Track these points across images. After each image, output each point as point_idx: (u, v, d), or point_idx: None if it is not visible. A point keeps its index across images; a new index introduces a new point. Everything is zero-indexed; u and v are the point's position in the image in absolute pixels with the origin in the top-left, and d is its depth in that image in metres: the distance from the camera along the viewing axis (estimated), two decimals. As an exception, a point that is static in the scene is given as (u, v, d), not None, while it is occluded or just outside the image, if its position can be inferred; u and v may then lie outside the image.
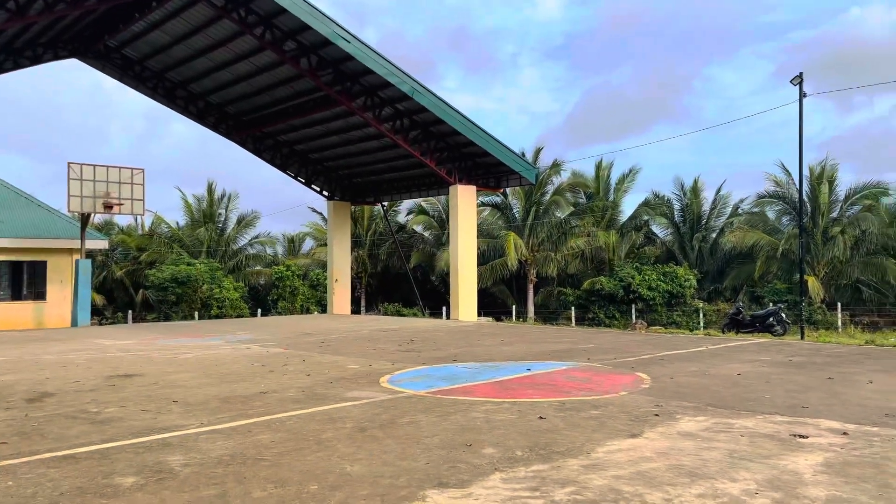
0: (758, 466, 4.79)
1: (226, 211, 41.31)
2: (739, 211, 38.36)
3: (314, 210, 42.25)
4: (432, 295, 38.09)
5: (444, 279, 34.57)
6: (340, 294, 28.28)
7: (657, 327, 27.63)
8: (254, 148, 26.75)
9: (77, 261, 21.55)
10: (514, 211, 38.01)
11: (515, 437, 5.72)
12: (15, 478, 4.71)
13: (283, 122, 24.50)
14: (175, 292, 32.66)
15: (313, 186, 28.39)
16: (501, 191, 31.83)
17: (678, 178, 40.00)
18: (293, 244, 47.27)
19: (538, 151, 36.53)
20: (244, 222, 41.33)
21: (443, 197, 34.59)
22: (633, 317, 31.27)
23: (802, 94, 17.26)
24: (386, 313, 35.17)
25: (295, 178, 28.00)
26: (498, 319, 30.32)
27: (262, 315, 33.38)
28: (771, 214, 36.01)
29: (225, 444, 5.61)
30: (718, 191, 39.28)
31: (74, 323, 21.38)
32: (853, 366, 10.25)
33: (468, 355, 11.93)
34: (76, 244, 21.83)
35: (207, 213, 40.70)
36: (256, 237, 42.57)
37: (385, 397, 7.73)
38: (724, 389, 8.09)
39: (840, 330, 25.83)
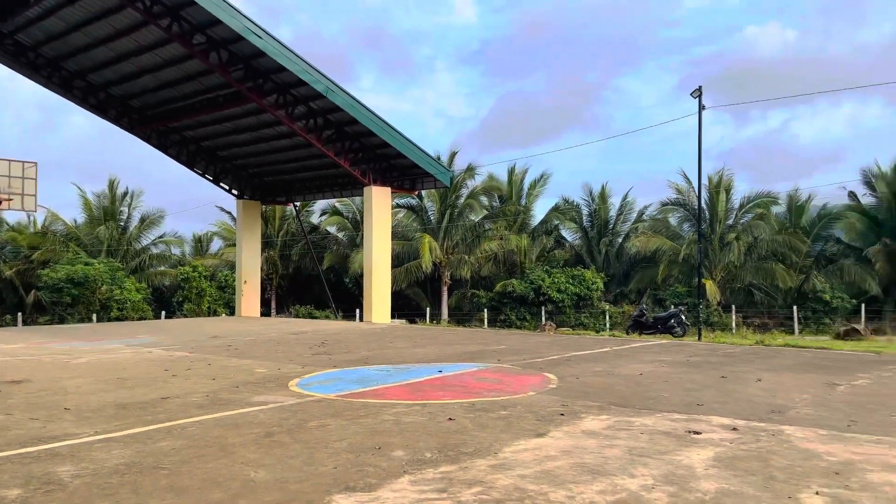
0: (655, 462, 4.99)
1: (129, 209, 39.44)
2: (644, 217, 39.97)
3: (223, 209, 41.12)
4: (346, 297, 37.71)
5: (358, 281, 34.28)
6: (250, 296, 27.58)
7: (566, 329, 28.40)
8: (159, 143, 25.70)
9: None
10: (430, 213, 38.17)
11: (425, 438, 5.74)
12: None
13: (191, 117, 23.64)
14: (71, 293, 30.91)
15: (222, 185, 27.55)
16: (417, 193, 31.94)
17: (587, 184, 41.30)
18: (201, 244, 45.76)
19: (453, 155, 36.92)
20: (148, 221, 39.59)
21: (357, 198, 34.36)
22: (543, 318, 32.02)
23: (701, 107, 18.17)
24: (297, 316, 34.55)
25: (202, 175, 27.10)
26: (411, 322, 30.35)
27: (167, 317, 32.09)
28: (673, 221, 37.76)
29: (121, 452, 5.35)
30: (625, 197, 40.83)
31: (-44, 326, 19.90)
32: (744, 365, 10.86)
33: (380, 358, 11.88)
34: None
35: (109, 210, 38.72)
36: (161, 236, 40.87)
37: (293, 401, 7.59)
38: (627, 389, 8.40)
39: (734, 331, 27.32)
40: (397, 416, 6.67)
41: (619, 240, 40.38)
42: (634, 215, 40.51)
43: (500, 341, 15.14)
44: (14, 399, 7.83)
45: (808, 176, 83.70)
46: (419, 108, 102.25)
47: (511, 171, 39.98)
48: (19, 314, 30.90)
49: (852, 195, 36.28)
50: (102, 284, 31.50)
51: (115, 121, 24.67)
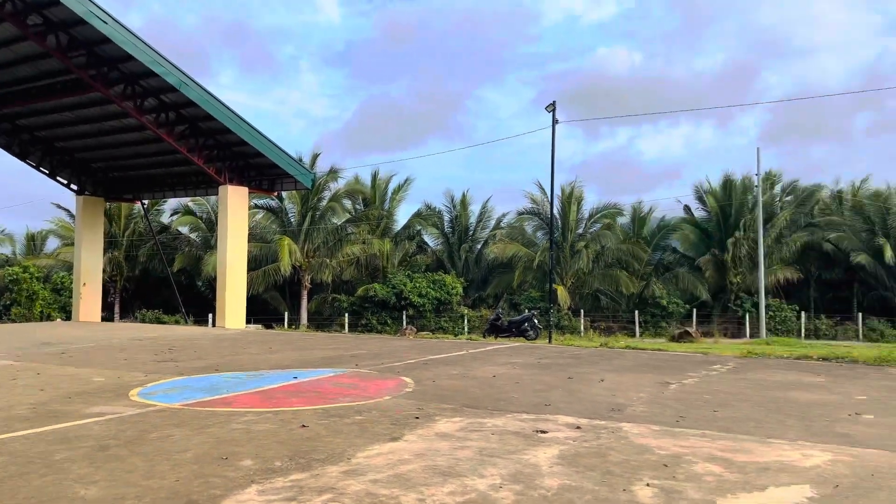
0: (504, 462, 5.15)
1: (-54, 203, 35.45)
2: (502, 224, 41.40)
3: (59, 206, 38.02)
4: (198, 301, 35.97)
5: (212, 284, 32.82)
6: (89, 299, 25.57)
7: (426, 333, 28.76)
8: (-15, 131, 23.27)
9: None
10: (290, 215, 37.33)
11: (275, 447, 5.58)
12: None
13: (25, 104, 21.54)
14: None
15: (59, 179, 25.37)
16: (276, 194, 31.06)
17: (449, 191, 42.32)
18: (33, 243, 41.99)
19: (316, 157, 36.39)
20: (-33, 216, 35.75)
21: (213, 197, 32.89)
22: (404, 323, 32.24)
23: (555, 121, 19.09)
24: (144, 320, 32.49)
25: (37, 168, 24.81)
26: (269, 327, 29.47)
27: (-9, 323, 29.08)
28: (528, 229, 39.41)
29: (-75, 474, 4.76)
30: (485, 205, 42.08)
31: None
32: (589, 366, 11.50)
33: (232, 365, 11.42)
34: None
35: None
36: (-14, 234, 37.05)
37: (134, 412, 7.11)
38: (481, 391, 8.62)
39: (582, 334, 28.88)
40: (247, 425, 6.44)
41: (479, 246, 41.53)
42: (493, 222, 41.87)
43: (359, 346, 15.05)
44: None
45: (651, 190, 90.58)
46: (281, 108, 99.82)
47: (375, 176, 40.06)
48: None
49: (687, 209, 39.61)
50: None
51: (-69, 103, 22.04)
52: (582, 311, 34.23)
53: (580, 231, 37.66)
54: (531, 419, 6.81)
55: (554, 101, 19.59)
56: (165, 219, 39.42)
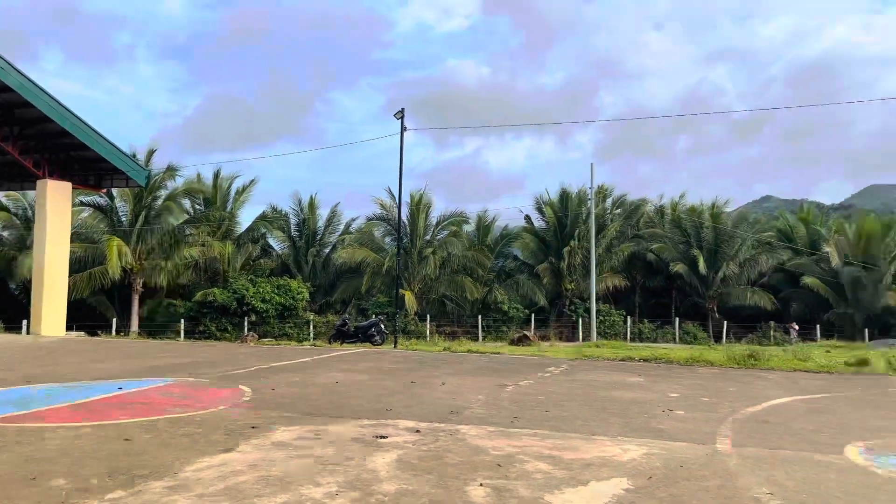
0: (342, 469, 5.10)
1: None
2: (351, 229, 41.06)
3: None
4: (11, 305, 32.46)
5: (28, 287, 29.79)
6: None
7: (268, 339, 27.88)
8: None
9: None
10: (122, 214, 34.70)
11: (93, 464, 5.14)
12: None
13: None
14: None
15: None
16: (104, 191, 28.85)
17: (297, 193, 41.35)
18: None
19: (151, 153, 34.03)
20: None
21: (30, 192, 29.91)
22: (246, 329, 31.05)
23: (403, 128, 19.27)
24: (-57, 328, 28.80)
25: None
26: (93, 334, 27.18)
27: None
28: (378, 234, 39.40)
29: None
30: (334, 209, 41.48)
31: None
32: (432, 370, 11.69)
33: (49, 375, 10.42)
34: None
35: None
36: None
37: (-78, 432, 6.27)
38: (322, 398, 8.49)
39: (428, 339, 29.32)
40: (62, 441, 5.89)
41: (327, 250, 40.91)
42: (342, 227, 41.39)
43: (195, 354, 14.29)
44: None
45: (496, 199, 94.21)
46: (114, 99, 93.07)
47: (217, 175, 38.24)
48: None
49: (527, 219, 41.46)
50: None
51: None
52: (428, 315, 34.76)
53: (428, 237, 38.25)
54: (371, 425, 6.80)
55: (402, 109, 19.75)
56: (-28, 214, 35.26)
